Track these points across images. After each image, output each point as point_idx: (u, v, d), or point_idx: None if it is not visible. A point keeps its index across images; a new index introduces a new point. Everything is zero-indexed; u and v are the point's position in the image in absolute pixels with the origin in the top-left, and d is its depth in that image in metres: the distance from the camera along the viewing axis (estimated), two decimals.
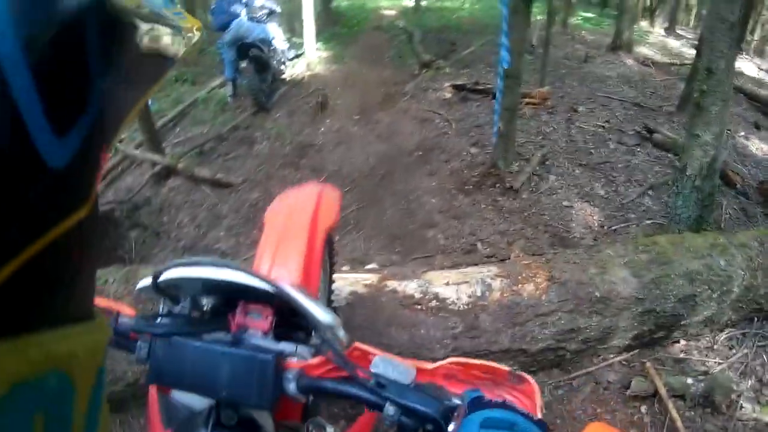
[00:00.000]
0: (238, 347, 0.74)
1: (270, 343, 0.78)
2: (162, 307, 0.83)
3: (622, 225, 4.13)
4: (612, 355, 2.59)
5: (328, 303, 1.78)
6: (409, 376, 0.69)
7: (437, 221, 4.28)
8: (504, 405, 0.61)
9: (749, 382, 2.47)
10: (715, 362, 2.57)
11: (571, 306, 2.43)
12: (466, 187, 4.62)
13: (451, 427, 0.63)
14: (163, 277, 0.75)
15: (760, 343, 2.67)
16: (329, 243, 1.59)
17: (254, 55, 6.40)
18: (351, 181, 5.05)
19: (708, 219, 3.43)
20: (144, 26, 0.24)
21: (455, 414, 0.64)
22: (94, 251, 0.23)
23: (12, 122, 0.16)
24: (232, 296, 0.81)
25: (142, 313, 0.82)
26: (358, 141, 5.91)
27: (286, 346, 0.78)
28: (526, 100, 6.44)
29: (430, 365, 0.76)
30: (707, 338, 2.70)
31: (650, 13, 13.72)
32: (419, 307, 2.39)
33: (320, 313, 0.74)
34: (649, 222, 4.16)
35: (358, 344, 0.77)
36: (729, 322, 2.73)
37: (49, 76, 0.17)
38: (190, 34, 0.30)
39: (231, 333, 0.77)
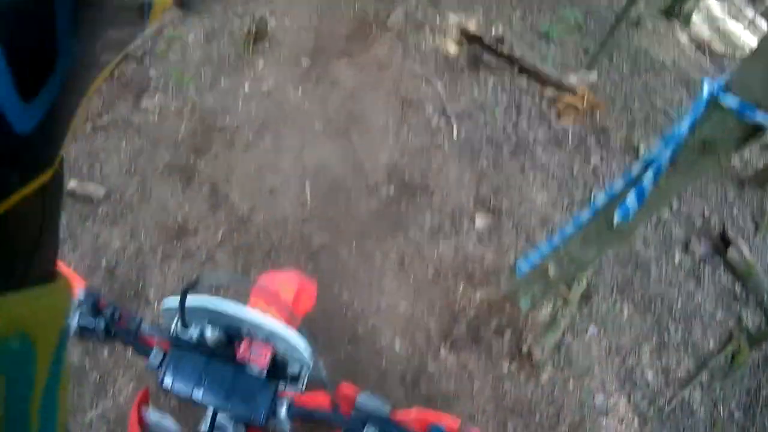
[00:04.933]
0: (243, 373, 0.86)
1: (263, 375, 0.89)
2: (173, 330, 0.91)
3: None
4: None
5: None
6: (386, 408, 0.83)
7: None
8: None
9: None
10: None
11: None
12: (455, 329, 2.55)
13: None
14: (188, 303, 0.84)
15: None
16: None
17: None
18: (266, 251, 2.73)
19: None
20: None
21: None
22: (57, 214, 0.23)
23: None
24: (236, 331, 0.91)
25: (160, 324, 0.94)
26: (296, 127, 3.33)
27: (279, 382, 0.89)
28: (564, 101, 4.11)
29: (400, 411, 0.86)
30: None
31: None
32: None
33: (315, 354, 0.88)
34: None
35: (344, 385, 0.87)
36: None
37: (15, 38, 0.16)
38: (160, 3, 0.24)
39: (234, 363, 0.86)
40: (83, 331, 0.87)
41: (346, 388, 0.86)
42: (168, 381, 0.82)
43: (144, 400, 0.96)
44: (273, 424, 0.84)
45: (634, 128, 4.41)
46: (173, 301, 0.86)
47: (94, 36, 0.20)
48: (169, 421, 0.91)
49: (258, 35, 3.79)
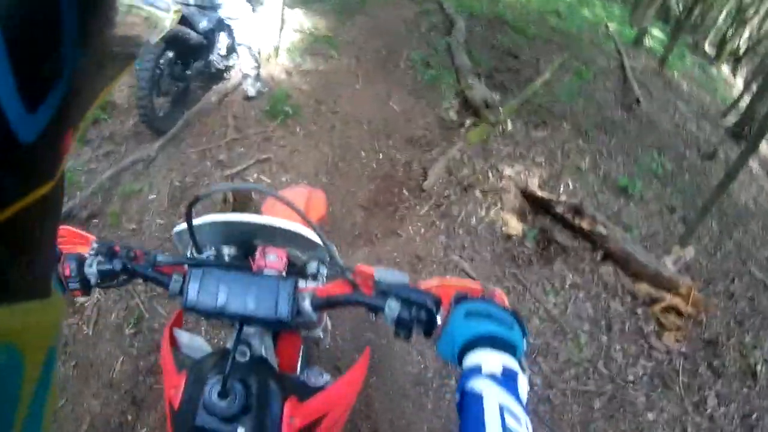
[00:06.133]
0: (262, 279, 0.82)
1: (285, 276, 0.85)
2: (189, 254, 0.91)
3: None
4: None
5: None
6: (405, 278, 0.77)
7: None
8: (482, 299, 0.73)
9: None
10: None
11: None
12: None
13: (439, 316, 0.73)
14: (196, 222, 0.82)
15: None
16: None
17: (172, 34, 2.90)
18: None
19: None
20: (122, 5, 0.21)
21: (443, 305, 0.73)
22: (54, 228, 0.22)
23: None
24: (250, 243, 0.91)
25: (175, 254, 0.90)
26: None
27: (299, 279, 0.85)
28: (664, 304, 2.93)
29: (420, 281, 0.80)
30: None
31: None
32: None
33: (330, 245, 0.83)
34: None
35: (360, 266, 0.82)
36: None
37: (22, 50, 0.16)
38: (165, 17, 0.24)
39: (252, 272, 0.86)
40: (102, 276, 0.84)
41: (363, 268, 0.81)
42: (191, 299, 0.79)
43: (176, 323, 0.96)
44: (300, 321, 0.80)
45: (744, 329, 3.23)
46: (183, 225, 0.84)
47: (99, 47, 0.19)
48: (199, 341, 0.91)
49: (238, 206, 2.63)
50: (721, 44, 11.23)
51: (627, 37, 8.57)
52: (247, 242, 0.90)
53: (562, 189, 3.45)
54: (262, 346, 0.87)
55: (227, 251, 0.90)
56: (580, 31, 7.31)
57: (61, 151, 0.20)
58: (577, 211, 3.04)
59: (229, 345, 0.84)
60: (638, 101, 5.21)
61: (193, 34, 2.94)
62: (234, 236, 0.90)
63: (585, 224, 3.02)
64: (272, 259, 0.87)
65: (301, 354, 1.01)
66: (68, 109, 0.19)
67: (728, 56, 10.20)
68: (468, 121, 3.67)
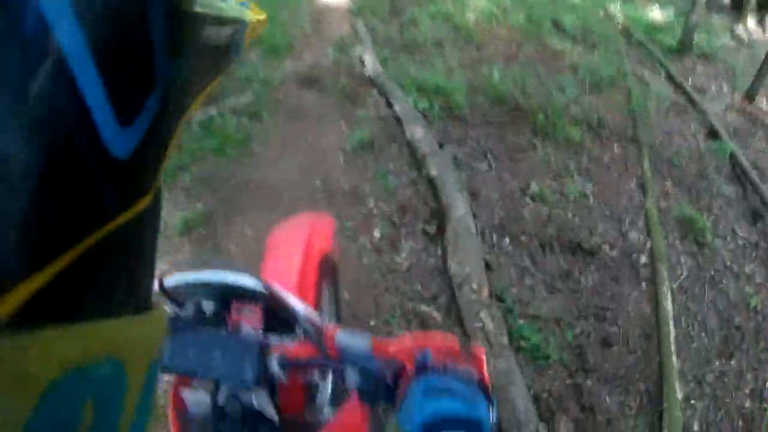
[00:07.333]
0: (235, 338, 0.78)
1: (258, 334, 0.82)
2: (169, 311, 0.85)
3: None
4: None
5: (337, 318, 1.61)
6: (365, 341, 0.74)
7: None
8: (444, 370, 0.64)
9: None
10: None
11: None
12: None
13: (398, 390, 0.68)
14: (167, 284, 0.78)
15: None
16: (326, 266, 1.43)
17: None
18: None
19: None
20: (209, 16, 0.22)
21: (403, 378, 0.68)
22: (154, 242, 0.22)
23: (78, 113, 0.15)
24: (228, 298, 0.86)
25: None
26: None
27: (272, 337, 0.83)
28: None
29: (389, 339, 0.78)
30: None
31: None
32: None
33: (298, 306, 0.81)
34: None
35: (326, 327, 0.80)
36: None
37: (114, 67, 0.16)
38: (254, 25, 0.26)
39: (228, 330, 0.82)
40: None
41: (329, 329, 0.80)
42: (166, 360, 0.75)
43: (183, 382, 0.90)
44: (270, 379, 0.77)
45: None
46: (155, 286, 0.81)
47: (187, 64, 0.19)
48: (201, 396, 0.86)
49: None
50: None
51: (647, 31, 5.88)
52: (227, 296, 0.85)
53: None
54: (253, 398, 0.82)
55: (207, 306, 0.84)
56: (608, 60, 4.56)
57: (157, 164, 0.19)
58: None
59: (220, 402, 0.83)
60: None
61: None
62: (212, 291, 0.84)
63: None
64: (246, 313, 0.82)
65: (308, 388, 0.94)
66: (163, 121, 0.18)
67: (752, 8, 7.60)
68: None
